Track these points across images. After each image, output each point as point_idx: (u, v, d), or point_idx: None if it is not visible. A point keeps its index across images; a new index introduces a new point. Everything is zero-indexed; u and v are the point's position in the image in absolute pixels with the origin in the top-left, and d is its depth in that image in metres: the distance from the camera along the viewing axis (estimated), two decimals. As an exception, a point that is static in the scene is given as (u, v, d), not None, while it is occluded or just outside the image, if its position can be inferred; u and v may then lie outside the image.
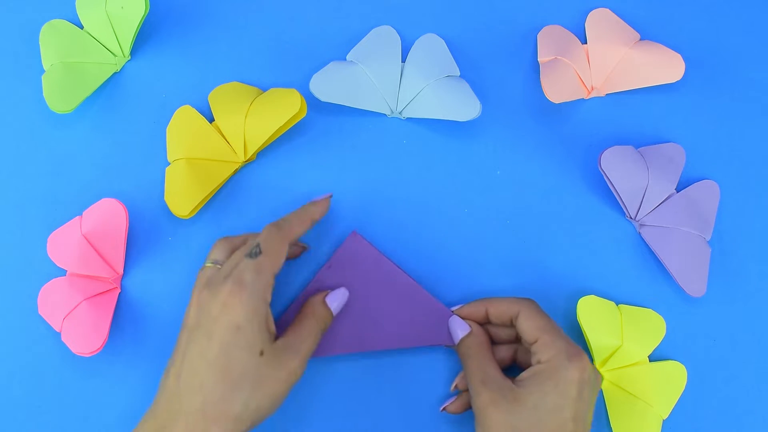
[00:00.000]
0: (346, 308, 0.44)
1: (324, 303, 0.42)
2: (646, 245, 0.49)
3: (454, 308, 0.44)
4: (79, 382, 0.46)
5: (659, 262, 0.48)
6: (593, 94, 0.52)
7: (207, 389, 0.35)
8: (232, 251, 0.42)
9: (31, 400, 0.46)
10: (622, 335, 0.45)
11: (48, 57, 0.52)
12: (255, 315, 0.37)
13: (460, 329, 0.43)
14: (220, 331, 0.36)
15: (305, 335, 0.39)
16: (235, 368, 0.36)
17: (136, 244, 0.49)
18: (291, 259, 0.47)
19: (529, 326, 0.40)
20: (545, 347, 0.39)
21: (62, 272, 0.48)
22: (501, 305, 0.42)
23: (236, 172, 0.50)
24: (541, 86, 0.51)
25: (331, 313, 0.42)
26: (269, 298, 0.38)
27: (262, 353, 0.36)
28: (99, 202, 0.48)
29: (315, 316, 0.41)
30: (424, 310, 0.44)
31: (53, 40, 0.52)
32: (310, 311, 0.41)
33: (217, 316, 0.36)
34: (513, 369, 0.45)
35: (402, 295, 0.44)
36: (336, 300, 0.43)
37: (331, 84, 0.50)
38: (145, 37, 0.54)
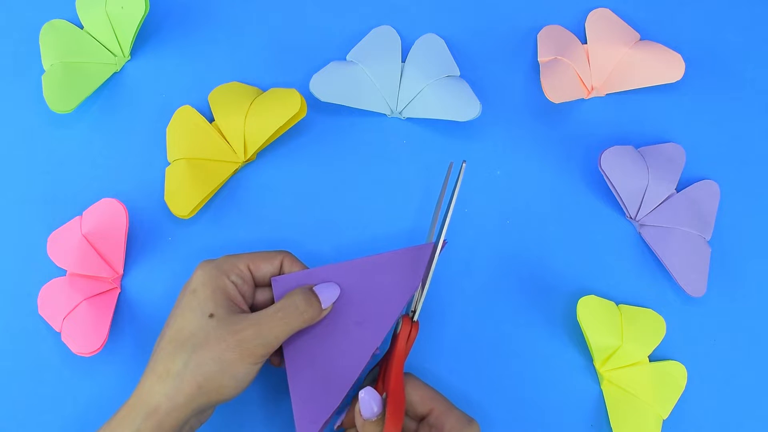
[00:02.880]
0: (331, 330, 0.41)
1: (310, 288, 0.40)
2: (646, 245, 0.49)
3: (407, 379, 0.40)
4: (79, 382, 0.46)
5: (659, 262, 0.48)
6: (593, 94, 0.52)
7: (160, 348, 0.37)
8: None
9: (31, 400, 0.46)
10: (622, 335, 0.45)
11: (48, 57, 0.52)
12: (210, 281, 0.38)
13: (375, 404, 0.37)
14: (183, 298, 0.39)
15: (272, 311, 0.38)
16: (185, 328, 0.37)
17: (136, 244, 0.49)
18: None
19: (420, 397, 0.40)
20: (444, 417, 0.39)
21: (62, 272, 0.48)
22: (451, 419, 0.39)
23: (236, 172, 0.50)
24: (541, 86, 0.51)
25: (317, 298, 0.39)
26: (233, 278, 0.39)
27: (211, 316, 0.37)
28: (99, 202, 0.48)
29: (294, 296, 0.39)
30: (386, 269, 0.41)
31: (53, 40, 0.52)
32: (291, 293, 0.39)
33: (185, 287, 0.39)
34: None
35: (359, 277, 0.41)
36: (324, 290, 0.40)
37: (331, 84, 0.50)
38: (145, 37, 0.54)
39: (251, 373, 0.37)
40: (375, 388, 0.38)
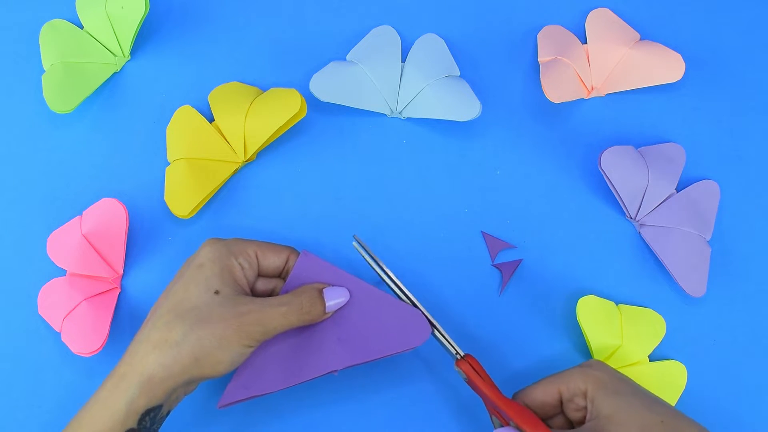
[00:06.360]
0: (314, 328, 0.41)
1: (319, 290, 0.40)
2: (646, 245, 0.49)
3: (521, 392, 0.40)
4: (79, 382, 0.46)
5: (659, 262, 0.48)
6: (593, 94, 0.52)
7: (157, 317, 0.37)
8: None
9: (31, 400, 0.46)
10: (622, 335, 0.45)
11: (48, 57, 0.52)
12: (218, 258, 0.39)
13: None
14: (187, 271, 0.39)
15: (277, 303, 0.38)
16: (187, 300, 0.37)
17: (136, 244, 0.49)
18: None
19: (542, 397, 0.39)
20: (573, 386, 0.38)
21: (62, 272, 0.48)
22: (573, 381, 0.38)
23: (236, 172, 0.50)
24: (541, 86, 0.51)
25: (323, 303, 0.40)
26: (241, 260, 0.40)
27: (217, 293, 0.37)
28: (99, 202, 0.48)
29: (302, 294, 0.39)
30: (392, 315, 0.41)
31: (53, 40, 0.52)
32: (300, 290, 0.40)
33: (189, 262, 0.40)
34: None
35: (368, 304, 0.41)
36: (333, 295, 0.40)
37: (331, 84, 0.50)
38: (145, 37, 0.54)
39: (245, 354, 0.38)
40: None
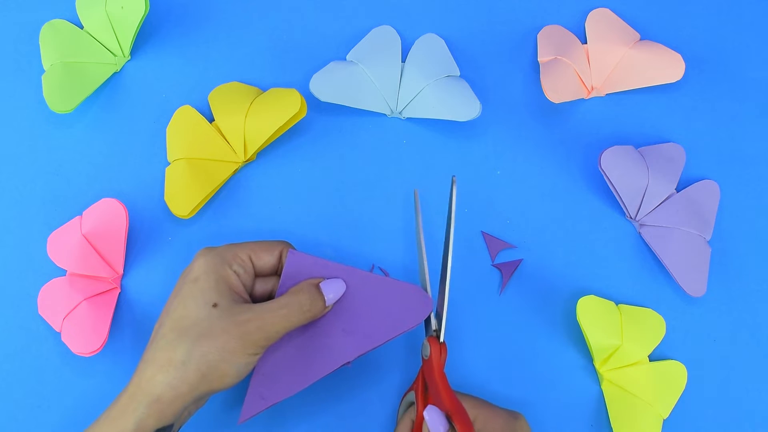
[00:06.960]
0: (317, 324, 0.41)
1: (316, 286, 0.40)
2: (646, 245, 0.49)
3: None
4: (79, 382, 0.46)
5: (659, 262, 0.48)
6: (593, 94, 0.52)
7: (160, 336, 0.37)
8: None
9: (31, 400, 0.46)
10: (622, 335, 0.45)
11: (48, 57, 0.52)
12: (213, 270, 0.38)
13: (441, 423, 0.37)
14: (183, 286, 0.38)
15: (276, 306, 0.38)
16: (187, 317, 0.37)
17: (136, 244, 0.49)
18: None
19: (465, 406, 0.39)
20: (491, 422, 0.39)
21: (62, 272, 0.48)
22: (495, 421, 0.39)
23: (236, 172, 0.50)
24: (541, 86, 0.51)
25: (322, 297, 0.39)
26: (235, 267, 0.39)
27: (215, 305, 0.37)
28: (99, 202, 0.48)
29: (300, 293, 0.39)
30: (391, 295, 0.40)
31: (53, 40, 0.52)
32: (296, 288, 0.39)
33: (184, 276, 0.39)
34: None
35: (365, 290, 0.41)
36: (330, 288, 0.40)
37: (331, 84, 0.50)
38: (145, 37, 0.54)
39: (251, 363, 0.37)
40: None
